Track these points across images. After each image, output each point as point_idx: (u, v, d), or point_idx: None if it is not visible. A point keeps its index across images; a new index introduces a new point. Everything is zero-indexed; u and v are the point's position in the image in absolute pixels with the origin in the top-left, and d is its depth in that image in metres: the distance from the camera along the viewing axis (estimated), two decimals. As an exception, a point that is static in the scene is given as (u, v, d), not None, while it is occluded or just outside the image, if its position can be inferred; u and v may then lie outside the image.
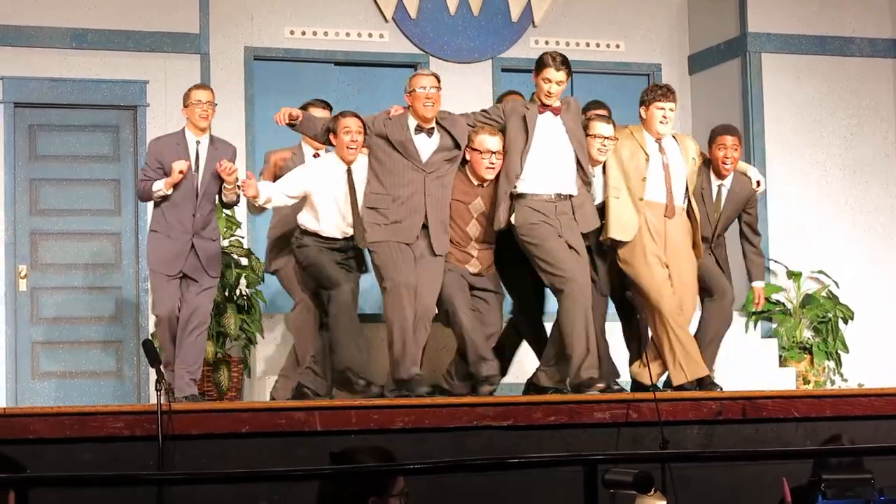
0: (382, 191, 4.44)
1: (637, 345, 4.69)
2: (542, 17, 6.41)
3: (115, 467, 3.82)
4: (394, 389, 4.37)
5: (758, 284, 4.85)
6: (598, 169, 4.62)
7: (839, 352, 5.99)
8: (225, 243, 5.44)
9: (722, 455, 4.17)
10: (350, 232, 4.48)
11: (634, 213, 4.55)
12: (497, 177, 4.51)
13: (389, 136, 4.45)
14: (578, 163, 4.50)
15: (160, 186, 4.53)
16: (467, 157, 4.53)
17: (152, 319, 4.73)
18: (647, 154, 4.59)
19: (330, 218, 4.47)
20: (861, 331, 6.07)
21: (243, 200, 4.75)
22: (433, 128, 4.48)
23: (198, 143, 4.60)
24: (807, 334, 6.03)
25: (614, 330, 4.79)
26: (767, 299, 6.06)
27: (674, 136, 4.70)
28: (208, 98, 4.60)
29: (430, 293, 4.41)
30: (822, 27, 6.32)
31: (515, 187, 4.47)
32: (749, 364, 5.74)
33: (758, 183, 4.81)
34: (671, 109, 4.59)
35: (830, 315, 6.00)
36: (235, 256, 5.47)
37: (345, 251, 4.50)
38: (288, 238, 4.64)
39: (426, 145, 4.47)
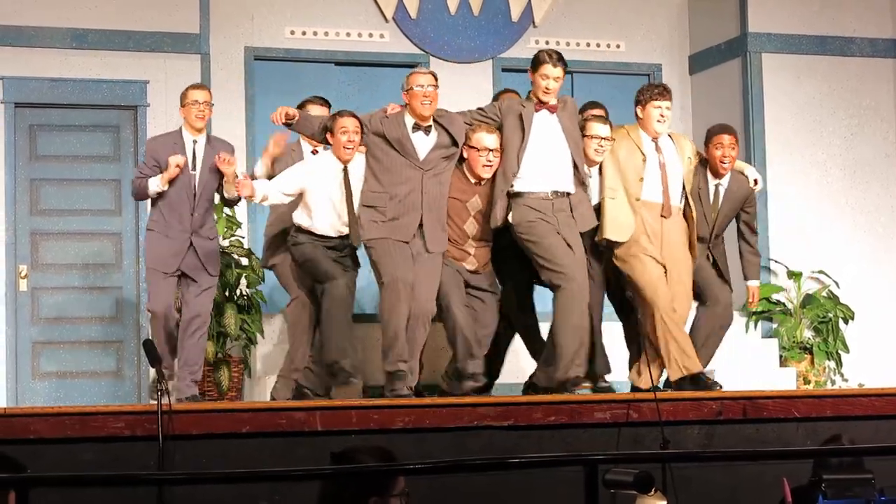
0: (380, 189, 4.45)
1: (637, 346, 4.69)
2: (542, 17, 6.41)
3: (115, 467, 3.82)
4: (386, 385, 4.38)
5: (753, 283, 4.85)
6: (595, 169, 4.61)
7: (839, 352, 5.99)
8: (225, 243, 5.44)
9: (722, 455, 4.17)
10: (345, 231, 4.48)
11: (630, 214, 4.55)
12: (494, 175, 4.51)
13: (386, 133, 4.45)
14: (574, 162, 4.50)
15: (157, 183, 4.52)
16: (465, 155, 4.53)
17: (147, 316, 4.69)
18: (643, 154, 4.59)
19: (324, 216, 4.48)
20: (861, 331, 6.07)
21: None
22: (430, 126, 4.48)
23: (195, 142, 4.61)
24: (807, 334, 6.03)
25: (612, 330, 4.79)
26: (768, 299, 6.08)
27: (670, 136, 4.70)
28: (205, 98, 4.60)
29: (427, 292, 4.41)
30: (822, 27, 6.32)
31: (513, 185, 4.47)
32: (749, 364, 5.74)
33: (755, 181, 4.80)
34: (668, 108, 4.58)
35: (831, 315, 6.00)
36: (236, 256, 5.47)
37: (340, 249, 4.50)
38: (285, 235, 4.65)
39: (423, 143, 4.47)
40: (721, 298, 4.68)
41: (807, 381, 5.90)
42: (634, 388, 4.65)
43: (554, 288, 4.42)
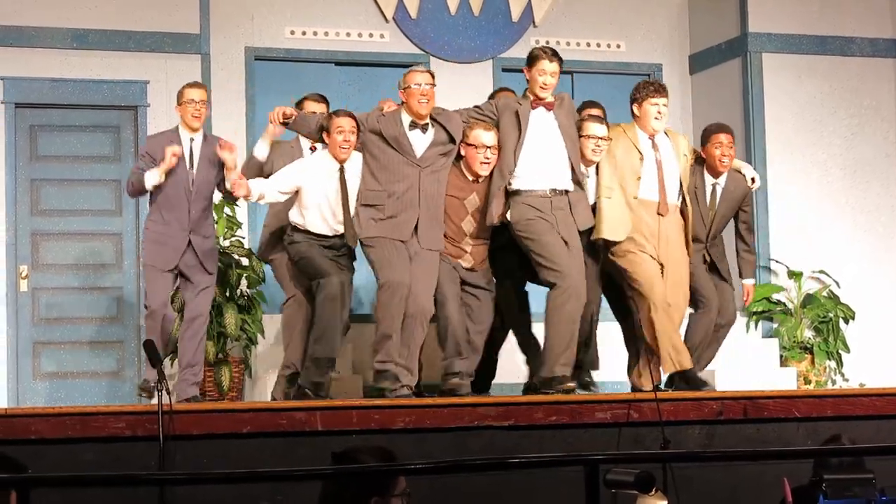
0: (378, 187, 4.45)
1: (636, 347, 4.69)
2: (542, 17, 6.41)
3: (116, 467, 3.82)
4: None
5: (748, 282, 4.85)
6: (591, 169, 4.61)
7: (840, 352, 5.99)
8: (225, 243, 5.45)
9: (723, 455, 4.17)
10: (340, 229, 4.48)
11: (627, 213, 4.54)
12: (492, 172, 4.50)
13: (383, 131, 4.45)
14: (571, 160, 4.49)
15: (154, 176, 4.51)
16: (462, 153, 4.52)
17: (144, 313, 4.70)
18: (640, 152, 4.58)
19: (319, 215, 4.48)
20: (862, 331, 6.07)
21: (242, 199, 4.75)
22: (427, 123, 4.48)
23: (192, 140, 4.61)
24: (808, 334, 6.03)
25: (609, 330, 4.79)
26: (768, 299, 6.08)
27: (666, 133, 4.69)
28: (201, 97, 4.60)
29: (425, 291, 4.41)
30: (822, 27, 6.32)
31: (510, 183, 4.47)
32: (750, 364, 5.74)
33: (752, 179, 4.80)
34: (665, 105, 4.58)
35: (831, 315, 6.00)
36: (236, 257, 5.47)
37: (336, 248, 4.50)
38: (284, 231, 4.64)
39: (420, 140, 4.47)
40: (714, 301, 4.67)
41: (807, 381, 5.90)
42: (636, 389, 4.65)
43: (549, 286, 4.43)
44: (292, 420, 4.00)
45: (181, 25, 5.82)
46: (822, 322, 6.00)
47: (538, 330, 4.59)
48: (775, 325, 6.10)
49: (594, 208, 4.58)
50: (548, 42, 6.23)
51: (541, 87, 4.48)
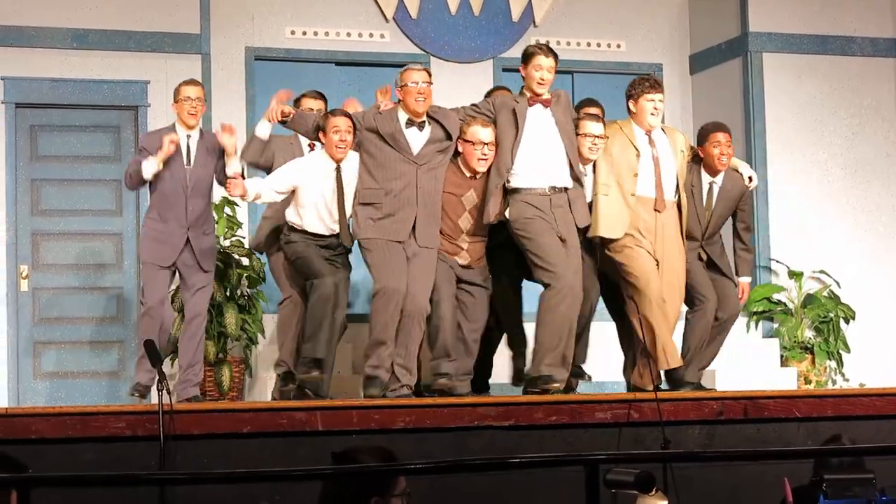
0: (375, 185, 4.45)
1: (630, 346, 4.68)
2: (542, 17, 6.41)
3: (116, 467, 3.82)
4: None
5: (744, 280, 4.85)
6: (588, 167, 4.60)
7: (840, 352, 5.98)
8: (226, 243, 5.45)
9: (723, 455, 4.17)
10: (337, 229, 4.49)
11: (624, 210, 4.54)
12: (489, 170, 4.50)
13: (380, 129, 4.45)
14: (569, 157, 4.49)
15: (151, 164, 4.50)
16: (460, 149, 4.52)
17: (141, 309, 4.68)
18: (637, 149, 4.58)
19: (316, 214, 4.48)
20: (862, 331, 6.07)
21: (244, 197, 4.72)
22: (424, 121, 4.48)
23: (188, 136, 4.61)
24: (808, 334, 6.03)
25: (606, 330, 4.78)
26: (769, 299, 6.08)
27: (662, 129, 4.69)
28: (198, 94, 4.61)
29: (422, 291, 4.41)
30: (823, 27, 6.31)
31: (508, 181, 4.47)
32: (750, 364, 5.74)
33: (749, 178, 4.79)
34: (661, 101, 4.57)
35: (832, 315, 6.00)
36: (236, 256, 5.47)
37: (333, 248, 4.50)
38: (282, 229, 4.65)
39: (417, 138, 4.47)
40: (710, 300, 4.66)
41: (808, 381, 5.90)
42: (636, 388, 4.65)
43: (543, 285, 4.43)
44: (292, 420, 4.00)
45: (181, 25, 5.82)
46: (823, 322, 6.00)
47: (529, 329, 4.60)
48: (776, 325, 6.10)
49: (591, 206, 4.57)
50: (548, 42, 6.23)
51: (538, 83, 4.48)
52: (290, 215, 4.52)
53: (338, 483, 2.55)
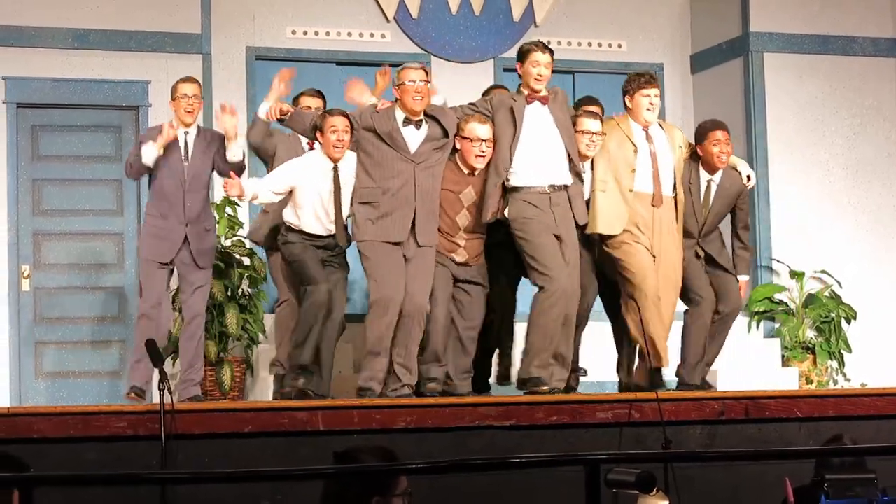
0: (372, 184, 4.44)
1: (627, 345, 4.67)
2: (543, 17, 6.41)
3: (118, 467, 3.83)
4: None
5: (742, 278, 4.85)
6: (586, 163, 4.60)
7: (842, 352, 5.98)
8: (227, 243, 5.45)
9: (724, 455, 4.17)
10: (334, 229, 4.48)
11: (622, 206, 4.54)
12: (488, 169, 4.50)
13: (377, 128, 4.45)
14: (569, 154, 4.49)
15: (151, 149, 4.49)
16: (457, 146, 4.52)
17: (137, 312, 4.67)
18: (634, 145, 4.58)
19: (313, 214, 4.47)
20: (864, 331, 6.06)
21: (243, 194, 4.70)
22: (421, 120, 4.48)
23: (186, 133, 4.62)
24: (810, 334, 6.03)
25: (603, 330, 4.77)
26: (770, 299, 6.07)
27: (660, 125, 4.69)
28: (194, 92, 4.61)
29: (422, 290, 4.41)
30: (824, 27, 6.31)
31: (507, 180, 4.46)
32: (752, 364, 5.74)
33: (748, 177, 4.79)
34: (656, 96, 4.58)
35: (833, 315, 6.00)
36: (237, 256, 5.47)
37: (330, 248, 4.50)
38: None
39: (414, 136, 4.47)
40: (707, 299, 4.66)
41: (809, 381, 5.90)
42: (636, 387, 4.64)
43: (537, 286, 4.44)
44: (294, 420, 4.00)
45: (182, 25, 5.82)
46: (824, 322, 5.99)
47: (521, 329, 4.60)
48: (777, 325, 6.09)
49: (589, 202, 4.57)
50: (549, 42, 6.23)
51: (535, 80, 4.47)
52: (288, 215, 4.52)
53: (339, 483, 2.55)
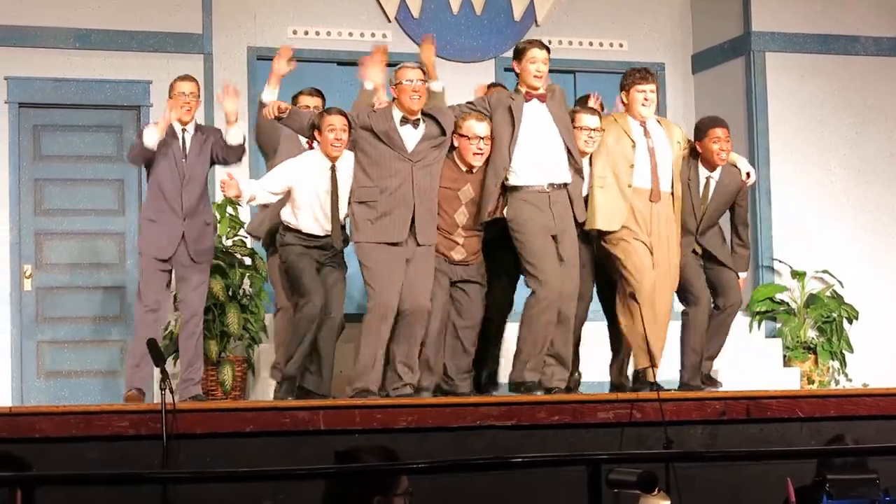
0: (370, 183, 4.44)
1: (623, 346, 4.68)
2: (544, 17, 6.41)
3: (120, 466, 3.83)
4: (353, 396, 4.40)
5: (741, 275, 4.85)
6: (584, 160, 4.59)
7: (844, 351, 5.98)
8: (228, 243, 5.45)
9: (726, 455, 4.17)
10: (331, 228, 4.48)
11: (621, 202, 4.54)
12: (487, 168, 4.49)
13: (374, 127, 4.45)
14: (568, 150, 4.49)
15: (152, 130, 4.49)
16: (455, 144, 4.51)
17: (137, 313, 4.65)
18: (633, 140, 4.58)
19: (311, 214, 4.47)
20: (866, 330, 6.06)
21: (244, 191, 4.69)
22: (419, 119, 4.47)
23: (183, 131, 4.62)
24: (811, 334, 6.02)
25: (601, 330, 4.77)
26: (771, 299, 6.07)
27: (659, 121, 4.69)
28: (191, 90, 4.60)
29: (423, 290, 4.41)
30: (826, 26, 6.31)
31: (507, 179, 4.46)
32: (753, 364, 5.73)
33: (748, 174, 4.78)
34: (652, 91, 4.58)
35: (835, 315, 5.99)
36: (239, 256, 5.48)
37: (327, 249, 4.49)
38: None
39: (411, 135, 4.47)
40: (704, 298, 4.66)
41: (811, 381, 5.90)
42: (622, 387, 4.62)
43: (531, 289, 4.44)
44: (295, 419, 4.00)
45: (184, 25, 5.82)
46: (826, 322, 5.99)
47: (512, 329, 4.60)
48: (778, 325, 6.09)
49: (587, 199, 4.56)
50: (550, 41, 6.20)
51: (534, 76, 4.47)
52: (286, 215, 4.52)
53: (340, 482, 2.55)
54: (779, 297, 6.09)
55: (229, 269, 5.37)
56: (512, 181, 4.47)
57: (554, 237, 4.45)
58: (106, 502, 3.60)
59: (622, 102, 4.64)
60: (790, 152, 6.25)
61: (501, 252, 4.56)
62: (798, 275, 6.10)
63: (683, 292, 4.69)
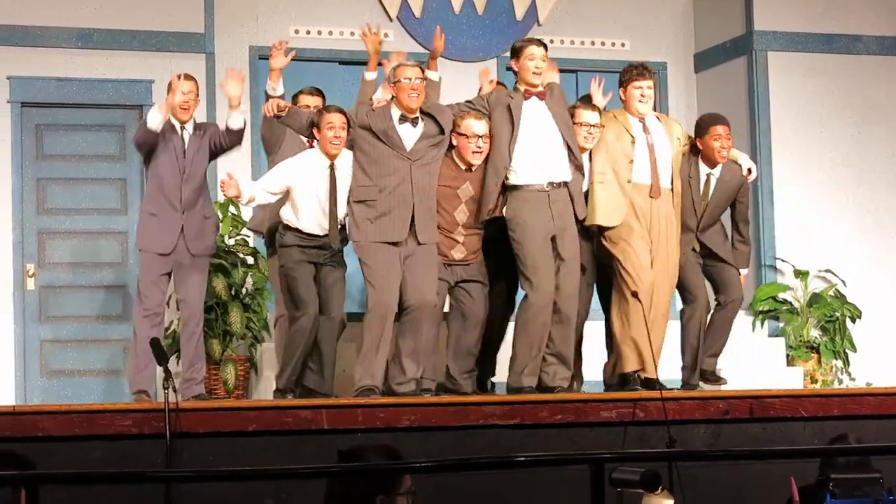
0: (369, 182, 4.43)
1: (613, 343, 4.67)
2: (546, 16, 6.41)
3: (123, 465, 3.83)
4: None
5: (742, 272, 4.85)
6: (584, 156, 4.59)
7: (847, 351, 5.98)
8: (230, 242, 5.45)
9: (729, 454, 4.16)
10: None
11: (621, 198, 4.53)
12: (486, 167, 4.49)
13: (372, 126, 4.44)
14: (568, 147, 4.48)
15: (156, 111, 4.47)
16: (454, 143, 4.51)
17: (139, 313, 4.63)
18: (632, 136, 4.58)
19: (310, 212, 4.46)
20: (868, 330, 6.06)
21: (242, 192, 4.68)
22: (417, 117, 4.47)
23: (182, 129, 4.63)
24: (814, 333, 6.02)
25: (599, 329, 4.77)
26: (774, 298, 6.07)
27: (658, 118, 4.69)
28: (190, 88, 4.60)
29: (428, 285, 4.40)
30: (828, 25, 6.30)
31: (507, 178, 4.46)
32: (756, 363, 5.73)
33: (749, 171, 4.78)
34: (649, 87, 4.58)
35: (838, 314, 5.99)
36: (241, 255, 5.48)
37: (326, 248, 4.48)
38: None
39: (410, 134, 4.46)
40: (702, 298, 4.66)
41: (814, 381, 5.89)
42: (610, 386, 4.61)
43: (524, 293, 4.44)
44: (298, 418, 4.00)
45: (186, 25, 5.83)
46: (829, 321, 5.99)
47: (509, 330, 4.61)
48: (781, 325, 6.09)
49: (587, 195, 4.56)
50: (552, 41, 6.23)
51: (533, 73, 4.46)
52: (286, 214, 4.51)
53: (343, 481, 2.55)
54: (781, 296, 6.09)
55: (232, 269, 5.38)
56: (512, 180, 4.46)
57: (554, 237, 4.45)
58: (109, 501, 3.60)
59: (620, 99, 4.64)
60: (792, 152, 6.24)
61: (501, 250, 4.56)
62: (801, 274, 6.10)
63: (682, 290, 4.69)
